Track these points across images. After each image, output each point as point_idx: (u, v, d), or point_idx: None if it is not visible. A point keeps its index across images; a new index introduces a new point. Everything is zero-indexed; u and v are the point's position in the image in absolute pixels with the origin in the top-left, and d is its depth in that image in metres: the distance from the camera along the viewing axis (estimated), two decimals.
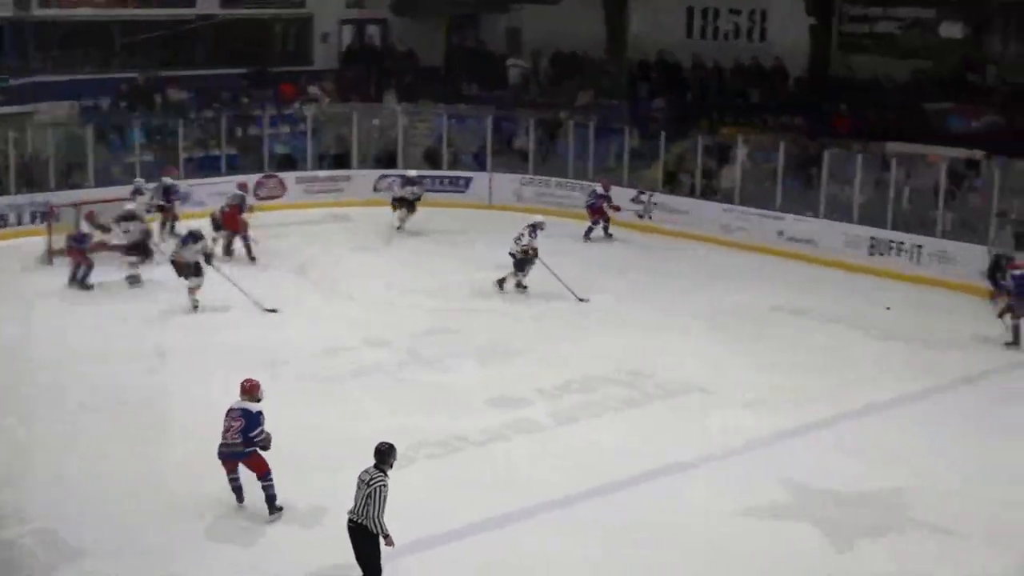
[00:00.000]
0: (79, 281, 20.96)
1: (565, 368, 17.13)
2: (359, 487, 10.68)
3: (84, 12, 29.01)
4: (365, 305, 20.40)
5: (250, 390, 12.57)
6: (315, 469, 13.41)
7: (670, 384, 16.64)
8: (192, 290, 19.66)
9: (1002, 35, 26.39)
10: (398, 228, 25.74)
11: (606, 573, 11.51)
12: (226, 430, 12.45)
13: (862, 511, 12.83)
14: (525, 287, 21.01)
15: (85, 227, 21.55)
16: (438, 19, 34.15)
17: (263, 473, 12.45)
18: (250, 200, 24.28)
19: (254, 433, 12.32)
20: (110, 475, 13.36)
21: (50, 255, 22.38)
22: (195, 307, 19.61)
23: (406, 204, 25.87)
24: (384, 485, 10.62)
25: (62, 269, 21.37)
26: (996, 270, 20.54)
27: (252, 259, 22.83)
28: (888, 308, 20.36)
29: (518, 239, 20.92)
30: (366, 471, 10.76)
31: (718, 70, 29.44)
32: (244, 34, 31.78)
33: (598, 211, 25.47)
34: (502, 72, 32.31)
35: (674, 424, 15.36)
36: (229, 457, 12.52)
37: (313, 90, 30.75)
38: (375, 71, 32.21)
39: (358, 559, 10.77)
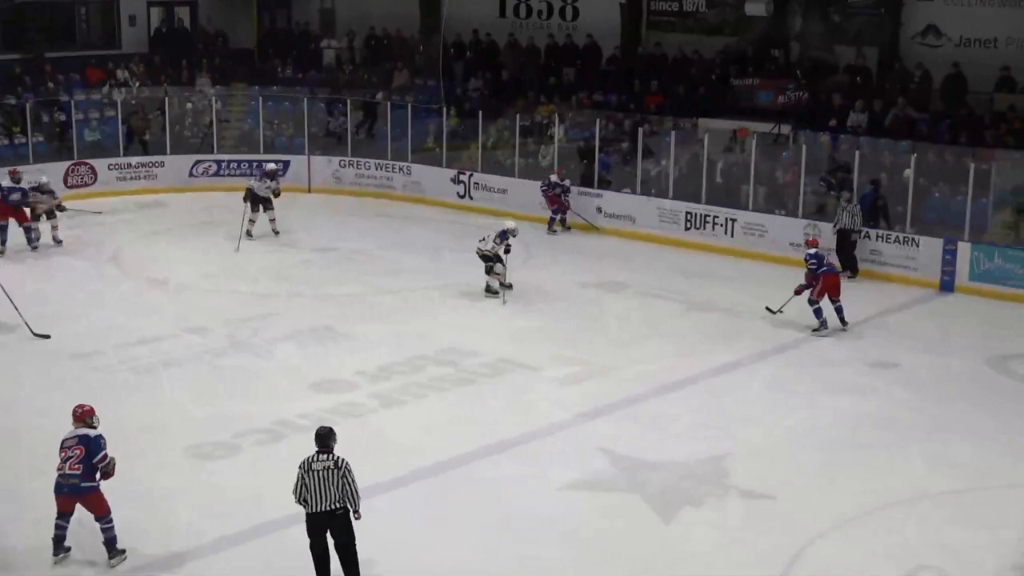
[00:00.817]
0: None
1: (387, 351, 17.10)
2: (323, 476, 10.42)
3: None
4: (181, 293, 20.03)
5: (83, 416, 11.31)
6: (134, 467, 13.18)
7: (492, 363, 16.74)
8: None
9: (803, 12, 27.21)
10: (276, 233, 23.52)
11: (437, 553, 11.53)
12: (63, 462, 11.10)
13: (684, 480, 13.12)
14: (510, 285, 19.96)
15: None
16: (248, 1, 33.58)
17: (103, 513, 11.20)
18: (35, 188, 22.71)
19: (98, 459, 11.08)
20: None
21: None
22: None
23: (261, 202, 23.46)
24: (349, 463, 10.55)
25: None
26: (842, 247, 21.18)
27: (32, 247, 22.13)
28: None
29: (483, 240, 19.95)
30: (318, 460, 10.51)
31: (533, 49, 29.69)
32: (48, 17, 30.78)
33: (553, 200, 24.40)
34: (316, 53, 32.01)
35: (498, 402, 15.49)
36: (68, 493, 11.12)
37: (122, 74, 29.96)
38: (186, 54, 31.53)
39: (342, 546, 10.59)
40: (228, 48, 32.49)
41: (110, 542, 11.22)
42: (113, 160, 27.55)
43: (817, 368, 16.89)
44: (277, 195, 23.63)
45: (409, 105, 27.95)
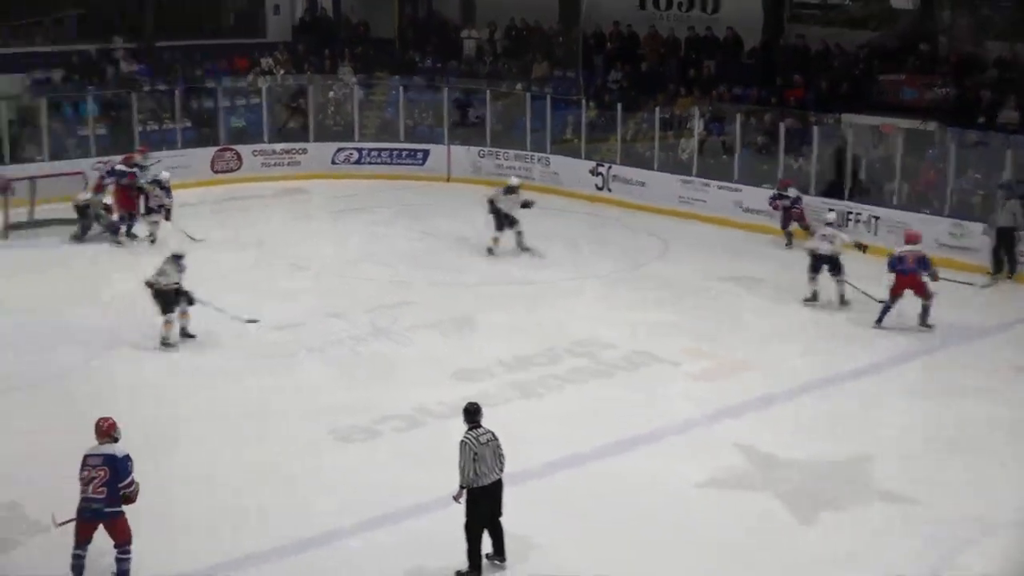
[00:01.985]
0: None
1: (526, 340, 17.19)
2: (491, 448, 10.74)
3: None
4: (323, 279, 20.39)
5: (108, 430, 10.50)
6: (275, 450, 13.49)
7: (628, 356, 16.71)
8: (168, 325, 16.72)
9: (951, 5, 26.58)
10: (525, 249, 21.79)
11: (568, 548, 11.51)
12: (86, 483, 10.30)
13: (824, 482, 12.93)
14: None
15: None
16: None
17: (124, 541, 10.45)
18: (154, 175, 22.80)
19: (124, 483, 10.34)
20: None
21: (6, 229, 22.22)
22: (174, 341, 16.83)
23: (505, 217, 21.73)
24: None
25: (18, 242, 21.31)
26: (1001, 246, 20.54)
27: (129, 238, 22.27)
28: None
29: (824, 239, 18.99)
30: (482, 434, 10.78)
31: (673, 41, 29.50)
32: (197, 6, 31.55)
33: (784, 211, 22.98)
34: (457, 43, 32.23)
35: (635, 395, 15.44)
36: (90, 518, 10.38)
37: (267, 62, 30.54)
38: (329, 43, 32.00)
39: (496, 516, 10.92)
40: (369, 37, 32.87)
41: (123, 574, 10.53)
42: (257, 147, 28.18)
43: (957, 371, 16.48)
44: (528, 205, 21.97)
45: (548, 96, 28.03)
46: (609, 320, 18.35)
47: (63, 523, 10.58)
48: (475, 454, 10.67)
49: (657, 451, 13.75)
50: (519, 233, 21.84)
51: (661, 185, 25.55)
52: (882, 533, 11.95)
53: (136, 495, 10.44)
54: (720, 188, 24.67)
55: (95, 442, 10.53)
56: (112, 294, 18.72)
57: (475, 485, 10.70)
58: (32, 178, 23.14)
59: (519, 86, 29.50)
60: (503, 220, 21.74)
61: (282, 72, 30.45)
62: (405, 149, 28.66)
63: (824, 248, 18.90)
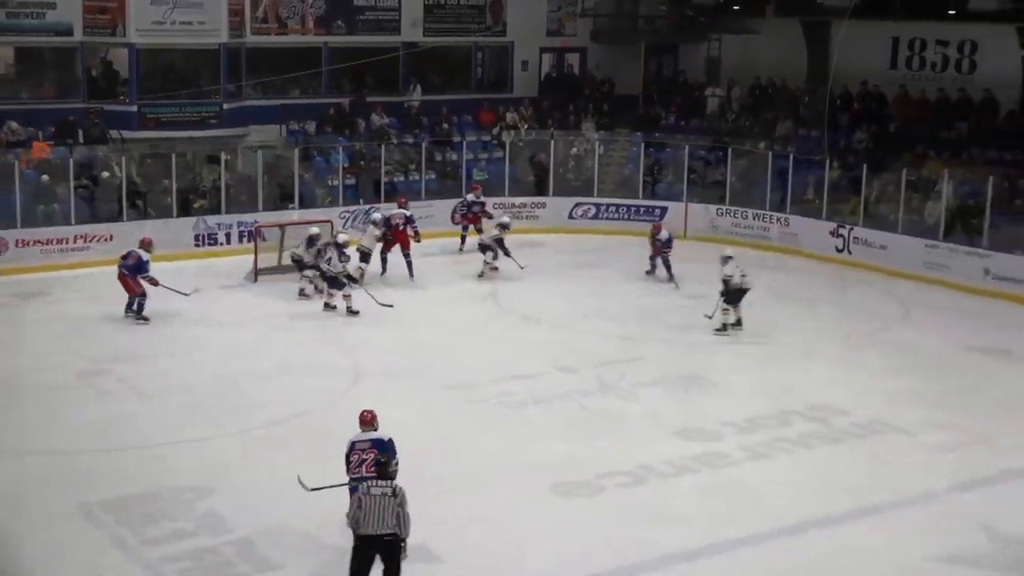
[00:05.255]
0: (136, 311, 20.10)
1: (753, 401, 16.88)
2: (381, 502, 10.70)
3: (293, 39, 29.93)
4: (554, 332, 20.46)
5: (372, 420, 12.05)
6: (498, 497, 13.54)
7: (862, 423, 16.20)
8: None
9: None
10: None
11: None
12: (358, 464, 11.77)
13: None
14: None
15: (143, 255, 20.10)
16: (636, 48, 34.14)
17: None
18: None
19: (394, 464, 11.44)
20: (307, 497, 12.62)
21: (256, 273, 23.10)
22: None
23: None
24: (405, 494, 10.92)
25: (268, 287, 22.22)
26: None
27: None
28: None
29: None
30: (386, 485, 10.80)
31: (923, 102, 28.68)
32: (445, 61, 32.42)
33: None
34: (700, 101, 32.12)
35: (868, 464, 14.93)
36: None
37: (512, 116, 31.03)
38: (573, 99, 32.36)
39: (391, 571, 10.88)
40: (613, 94, 33.08)
41: None
42: (498, 199, 28.54)
43: None
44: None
45: (791, 156, 27.60)
46: (845, 384, 17.84)
47: (316, 489, 11.88)
48: (360, 501, 10.72)
49: (884, 523, 13.26)
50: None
51: (905, 249, 24.76)
52: None
53: (396, 471, 11.18)
54: (968, 254, 23.74)
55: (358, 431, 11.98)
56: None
57: (356, 531, 10.77)
58: (282, 225, 24.05)
59: (761, 145, 29.16)
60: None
61: (525, 127, 30.90)
62: (643, 205, 28.63)
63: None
